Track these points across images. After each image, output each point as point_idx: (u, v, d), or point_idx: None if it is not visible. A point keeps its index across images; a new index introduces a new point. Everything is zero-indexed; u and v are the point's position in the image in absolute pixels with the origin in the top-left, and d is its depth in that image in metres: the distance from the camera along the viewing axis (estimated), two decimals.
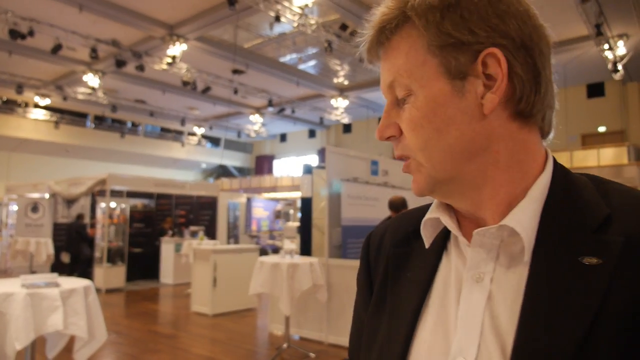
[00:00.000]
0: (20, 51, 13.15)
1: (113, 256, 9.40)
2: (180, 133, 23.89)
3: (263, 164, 26.81)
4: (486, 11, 0.59)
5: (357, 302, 0.80)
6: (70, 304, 2.88)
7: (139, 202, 11.59)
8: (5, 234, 11.98)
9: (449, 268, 0.66)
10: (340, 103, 18.40)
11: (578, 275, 0.53)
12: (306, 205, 6.17)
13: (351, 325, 0.81)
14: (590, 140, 16.70)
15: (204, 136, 24.65)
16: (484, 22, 0.58)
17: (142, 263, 10.69)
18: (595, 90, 16.63)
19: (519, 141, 0.61)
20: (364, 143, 21.85)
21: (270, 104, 17.80)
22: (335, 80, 17.21)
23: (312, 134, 25.25)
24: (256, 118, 20.76)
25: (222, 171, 26.55)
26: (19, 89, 15.48)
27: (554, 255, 0.55)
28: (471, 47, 0.58)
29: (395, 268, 0.72)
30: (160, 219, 11.61)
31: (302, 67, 15.95)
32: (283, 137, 26.63)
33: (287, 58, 15.25)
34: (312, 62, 15.81)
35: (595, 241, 0.54)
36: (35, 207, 9.09)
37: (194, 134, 24.15)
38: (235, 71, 15.15)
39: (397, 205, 4.88)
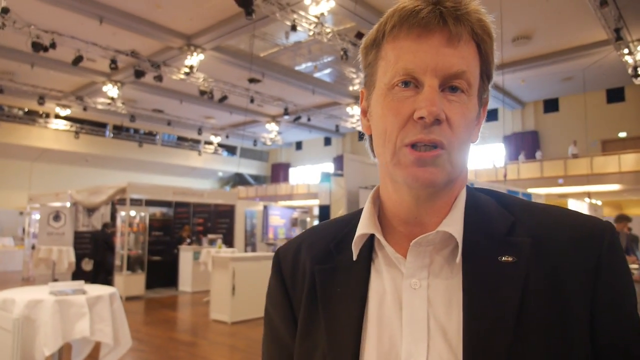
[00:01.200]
0: (42, 63, 13.46)
1: (133, 264, 9.50)
2: (197, 142, 24.14)
3: (279, 172, 26.91)
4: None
5: (273, 321, 0.79)
6: (97, 311, 2.92)
7: (157, 211, 11.71)
8: (28, 243, 12.19)
9: (380, 279, 0.69)
10: (355, 111, 18.43)
11: (500, 271, 0.63)
12: (324, 212, 6.17)
13: (264, 335, 0.81)
14: (610, 146, 16.42)
15: (220, 145, 24.88)
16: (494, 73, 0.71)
17: (161, 271, 10.77)
18: (615, 95, 16.38)
19: (466, 163, 0.71)
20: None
21: (286, 112, 17.90)
22: (350, 88, 17.26)
23: (327, 141, 25.30)
24: (272, 126, 20.89)
25: (238, 179, 26.72)
26: (41, 100, 15.82)
27: (479, 257, 0.64)
28: (488, 87, 0.71)
29: (323, 285, 0.72)
30: (179, 227, 11.71)
31: (317, 75, 16.03)
32: (299, 145, 26.72)
33: (303, 66, 15.36)
34: (328, 70, 15.89)
35: (508, 243, 0.65)
36: (57, 216, 9.23)
37: (210, 143, 24.38)
38: (252, 80, 15.30)
39: None
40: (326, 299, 0.70)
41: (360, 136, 18.19)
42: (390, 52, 0.67)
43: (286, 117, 18.64)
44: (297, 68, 15.41)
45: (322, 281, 0.72)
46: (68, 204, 10.09)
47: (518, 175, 16.20)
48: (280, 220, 13.55)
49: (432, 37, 0.64)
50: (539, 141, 18.42)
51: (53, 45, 11.44)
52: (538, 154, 17.52)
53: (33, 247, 11.23)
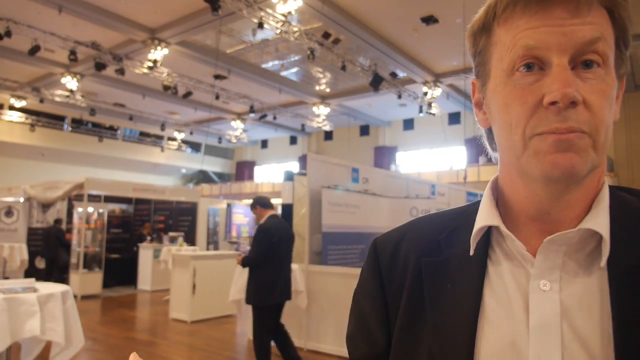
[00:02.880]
0: (4, 54, 12.91)
1: (90, 262, 9.23)
2: (160, 138, 23.66)
3: (244, 170, 26.71)
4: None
5: (363, 311, 0.74)
6: (48, 309, 2.84)
7: (117, 207, 11.41)
8: None
9: (499, 277, 0.63)
10: (321, 110, 18.51)
11: None
12: (287, 211, 6.19)
13: (351, 326, 0.76)
14: None
15: (184, 141, 24.46)
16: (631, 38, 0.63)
17: (120, 269, 10.51)
18: None
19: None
20: (345, 150, 21.99)
21: (251, 110, 17.79)
22: (317, 88, 17.32)
23: (293, 140, 25.29)
24: (237, 124, 20.71)
25: (202, 177, 26.35)
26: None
27: (630, 259, 0.56)
28: (627, 56, 0.62)
29: (431, 279, 0.67)
30: (139, 224, 11.45)
31: (284, 74, 16.00)
32: (264, 144, 26.61)
33: (270, 64, 15.29)
34: (295, 69, 15.88)
35: None
36: (9, 212, 8.89)
37: (174, 139, 23.94)
38: (217, 76, 15.12)
39: (265, 201, 4.54)
40: (434, 294, 0.65)
41: (327, 136, 18.09)
42: (504, 34, 0.60)
43: (252, 115, 18.53)
44: (263, 66, 15.34)
45: (430, 274, 0.67)
46: (21, 199, 9.71)
47: (478, 178, 16.65)
48: (244, 219, 13.48)
49: (554, 9, 0.57)
50: None
51: (8, 34, 10.98)
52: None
53: None
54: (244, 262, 4.30)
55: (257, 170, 26.79)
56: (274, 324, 4.46)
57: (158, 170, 24.64)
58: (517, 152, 0.59)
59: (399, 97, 15.97)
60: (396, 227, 0.78)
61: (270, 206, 4.57)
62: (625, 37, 0.61)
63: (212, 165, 26.60)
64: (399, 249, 0.72)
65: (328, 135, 23.47)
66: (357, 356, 0.73)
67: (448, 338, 0.62)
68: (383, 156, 21.85)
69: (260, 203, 4.51)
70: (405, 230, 0.75)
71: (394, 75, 15.27)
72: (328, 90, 17.51)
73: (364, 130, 22.93)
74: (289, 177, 6.18)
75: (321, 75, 15.98)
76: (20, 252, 8.30)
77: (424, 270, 0.68)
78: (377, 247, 0.75)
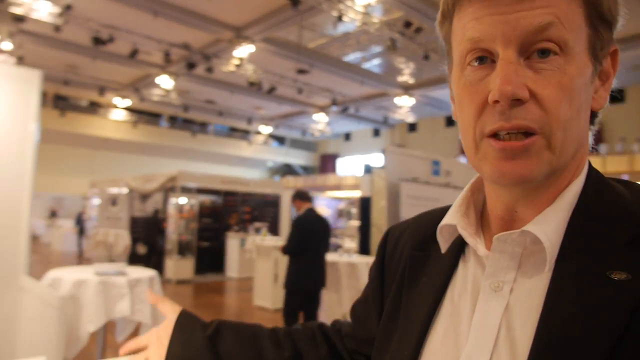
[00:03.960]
0: (102, 56, 14.15)
1: (183, 249, 9.90)
2: (247, 132, 24.63)
3: (327, 163, 27.00)
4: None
5: (367, 290, 0.80)
6: (136, 292, 3.09)
7: (207, 199, 12.10)
8: (90, 226, 12.96)
9: (465, 275, 0.62)
10: (404, 102, 18.13)
11: (604, 290, 0.48)
12: (365, 204, 6.16)
13: (357, 301, 0.83)
14: None
15: (270, 135, 25.24)
16: (620, 12, 0.56)
17: (210, 256, 11.16)
18: None
19: (587, 143, 0.58)
20: (430, 142, 21.40)
21: (334, 103, 17.89)
22: (399, 79, 16.99)
23: (376, 133, 25.08)
24: (320, 117, 20.94)
25: (287, 169, 27.06)
26: (102, 91, 16.65)
27: (579, 268, 0.51)
28: (611, 34, 0.55)
29: (412, 272, 0.69)
30: (227, 214, 12.06)
31: (366, 65, 15.88)
32: (347, 136, 26.66)
33: (351, 57, 15.25)
34: (377, 61, 15.69)
35: (626, 254, 0.49)
36: (114, 201, 9.76)
37: (260, 133, 24.81)
38: (300, 71, 15.39)
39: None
40: (411, 287, 0.67)
41: (410, 128, 17.78)
42: (457, 24, 0.57)
43: (334, 108, 18.63)
44: (345, 59, 15.33)
45: (411, 267, 0.69)
46: (124, 191, 10.63)
47: (604, 168, 15.33)
48: (326, 211, 13.65)
49: None
50: (602, 134, 17.40)
51: (111, 39, 11.99)
52: (602, 148, 16.55)
53: (81, 231, 11.87)
54: (283, 250, 4.72)
55: (341, 163, 26.95)
56: (306, 311, 4.83)
57: (246, 163, 25.70)
58: (470, 153, 0.57)
59: None
60: (408, 218, 0.80)
61: (308, 200, 4.88)
62: (602, 13, 0.54)
63: (297, 158, 27.20)
64: (400, 240, 0.75)
65: (412, 127, 22.97)
66: (348, 326, 0.81)
67: (408, 328, 0.63)
68: None
69: (300, 196, 4.85)
70: (411, 221, 0.77)
71: None
72: (411, 81, 17.10)
73: (450, 120, 22.11)
74: (368, 170, 6.15)
75: (404, 66, 15.62)
76: (123, 239, 9.10)
77: (408, 263, 0.70)
78: (387, 235, 0.79)
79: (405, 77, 16.93)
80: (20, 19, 10.68)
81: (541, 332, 0.49)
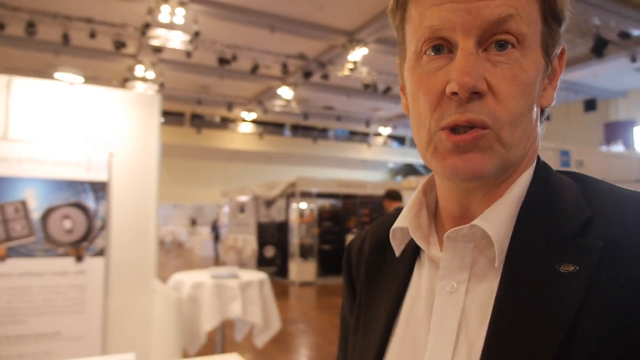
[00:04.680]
0: (228, 75, 15.35)
1: (305, 252, 10.26)
2: (366, 134, 24.77)
3: None
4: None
5: (344, 312, 0.76)
6: (248, 294, 3.25)
7: (327, 203, 12.40)
8: (223, 232, 14.11)
9: (420, 278, 0.60)
10: None
11: (553, 283, 0.47)
12: None
13: (340, 337, 0.77)
14: None
15: (389, 136, 25.08)
16: (567, 10, 0.55)
17: (331, 259, 11.40)
18: None
19: (536, 139, 0.57)
20: (565, 130, 19.39)
21: None
22: None
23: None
24: None
25: (409, 169, 26.61)
26: (230, 107, 18.05)
27: (528, 262, 0.50)
28: (560, 32, 0.55)
29: (369, 278, 0.67)
30: (346, 218, 12.23)
31: None
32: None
33: None
34: None
35: (572, 246, 0.49)
36: (242, 208, 10.48)
37: (379, 135, 24.77)
38: None
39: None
40: (369, 294, 0.66)
41: (587, 107, 16.16)
42: (414, 11, 0.54)
43: None
44: None
45: (369, 274, 0.68)
46: (250, 198, 11.36)
47: None
48: None
49: None
50: None
51: (234, 58, 12.94)
52: None
53: (216, 237, 12.86)
54: None
55: None
56: None
57: (366, 165, 25.86)
58: (422, 146, 0.55)
59: (634, 60, 13.28)
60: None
61: (398, 199, 4.75)
62: (554, 10, 0.53)
63: (418, 157, 26.48)
64: (362, 247, 0.72)
65: (590, 106, 21.00)
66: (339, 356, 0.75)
67: (368, 337, 0.62)
68: (616, 133, 18.53)
69: (389, 195, 4.76)
70: (370, 228, 0.75)
71: (623, 35, 12.77)
72: None
73: (590, 104, 19.77)
74: None
75: None
76: (251, 243, 9.72)
77: (365, 268, 0.68)
78: (349, 249, 0.76)
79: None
80: (158, 50, 12.06)
81: (492, 332, 0.48)
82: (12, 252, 2.95)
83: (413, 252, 0.62)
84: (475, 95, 0.49)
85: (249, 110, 19.79)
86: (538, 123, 0.56)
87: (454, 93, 0.49)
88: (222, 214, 14.06)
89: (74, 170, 3.16)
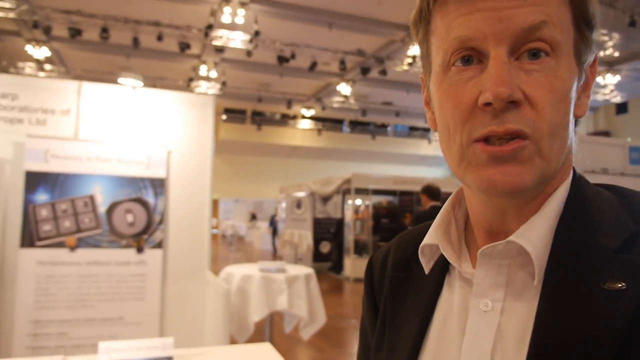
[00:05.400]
0: (287, 73, 15.62)
1: (360, 248, 10.28)
2: (426, 130, 24.29)
3: None
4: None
5: (364, 327, 0.73)
6: (294, 288, 3.35)
7: (383, 199, 12.33)
8: (280, 227, 14.44)
9: (451, 296, 0.58)
10: (609, 79, 15.63)
11: (598, 302, 0.44)
12: None
13: (359, 352, 0.74)
14: None
15: None
16: (598, 16, 0.53)
17: None
18: None
19: (571, 149, 0.54)
20: None
21: None
22: (601, 54, 14.72)
23: None
24: None
25: None
26: (289, 104, 18.36)
27: (569, 280, 0.47)
28: (592, 39, 0.53)
29: (393, 295, 0.64)
30: (402, 214, 12.11)
31: None
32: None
33: None
34: None
35: (617, 262, 0.46)
36: (298, 204, 10.67)
37: None
38: None
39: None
40: (394, 311, 0.63)
41: (619, 109, 15.38)
42: (439, 22, 0.52)
43: None
44: None
45: (392, 291, 0.65)
46: (307, 194, 11.53)
47: None
48: None
49: None
50: None
51: (293, 56, 13.16)
52: None
53: (274, 232, 13.13)
54: None
55: None
56: None
57: (426, 162, 25.36)
58: (454, 161, 0.52)
59: None
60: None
61: (436, 197, 4.64)
62: (587, 16, 0.51)
63: None
64: (385, 262, 0.70)
65: (621, 108, 19.66)
66: None
67: (394, 357, 0.59)
68: None
69: (427, 191, 4.66)
70: (394, 242, 0.72)
71: None
72: (616, 54, 14.65)
73: None
74: None
75: (606, 38, 13.48)
76: (306, 239, 9.88)
77: (389, 285, 0.66)
78: (371, 261, 0.74)
79: (609, 51, 14.58)
80: (220, 50, 12.51)
81: (533, 354, 0.45)
82: (82, 243, 3.23)
83: (442, 268, 0.60)
84: (512, 104, 0.47)
85: (308, 107, 20.03)
86: (573, 134, 0.53)
87: (488, 104, 0.47)
88: (280, 209, 14.40)
89: (135, 168, 3.39)
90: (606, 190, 0.54)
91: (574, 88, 0.50)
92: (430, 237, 0.58)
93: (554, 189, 0.53)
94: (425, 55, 0.58)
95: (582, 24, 0.51)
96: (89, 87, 3.43)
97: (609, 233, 0.48)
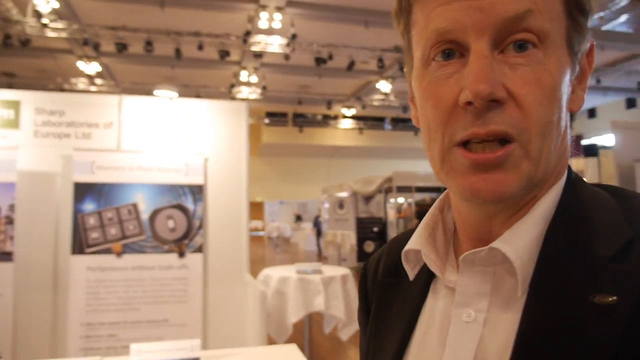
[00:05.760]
0: (326, 73, 15.67)
1: None
2: None
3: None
4: None
5: (360, 331, 0.71)
6: (331, 289, 3.38)
7: (427, 196, 12.14)
8: (324, 228, 14.51)
9: (435, 303, 0.55)
10: None
11: (585, 317, 0.40)
12: None
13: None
14: None
15: None
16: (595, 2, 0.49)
17: None
18: None
19: (567, 149, 0.51)
20: None
21: None
22: None
23: (630, 103, 20.93)
24: None
25: None
26: (329, 104, 18.41)
27: (555, 291, 0.43)
28: (587, 26, 0.49)
29: (381, 302, 0.62)
30: None
31: (606, 27, 13.47)
32: (591, 113, 23.02)
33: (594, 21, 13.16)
34: (623, 18, 13.13)
35: (609, 273, 0.41)
36: (341, 204, 10.70)
37: None
38: None
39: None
40: (381, 318, 0.62)
41: None
42: (419, 14, 0.49)
43: None
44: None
45: (380, 298, 0.63)
46: (349, 194, 11.53)
47: None
48: None
49: None
50: None
51: (331, 57, 13.19)
52: None
53: (319, 233, 13.20)
54: None
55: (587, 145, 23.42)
56: None
57: None
58: (436, 164, 0.49)
59: None
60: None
61: None
62: (580, 2, 0.47)
63: None
64: (378, 266, 0.67)
65: None
66: None
67: None
68: None
69: None
70: (386, 246, 0.70)
71: None
72: None
73: None
74: (592, 151, 5.24)
75: None
76: (349, 239, 9.88)
77: (378, 291, 0.64)
78: (366, 266, 0.72)
79: None
80: (259, 55, 12.73)
81: None
82: (127, 249, 3.39)
83: (428, 274, 0.56)
84: (494, 103, 0.43)
85: (348, 107, 20.00)
86: (568, 130, 0.49)
87: (469, 103, 0.43)
88: (323, 210, 14.46)
89: (175, 176, 3.53)
90: (605, 192, 0.49)
91: (566, 81, 0.46)
92: (413, 242, 0.56)
93: (546, 192, 0.49)
94: (407, 49, 0.56)
95: (575, 10, 0.47)
96: (128, 100, 3.61)
97: (602, 240, 0.43)
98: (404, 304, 0.58)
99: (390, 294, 0.61)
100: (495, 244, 0.46)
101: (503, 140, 0.44)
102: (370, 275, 0.69)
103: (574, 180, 0.51)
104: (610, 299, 0.40)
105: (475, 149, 0.44)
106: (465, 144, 0.45)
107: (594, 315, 0.40)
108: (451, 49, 0.46)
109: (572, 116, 0.51)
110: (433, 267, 0.54)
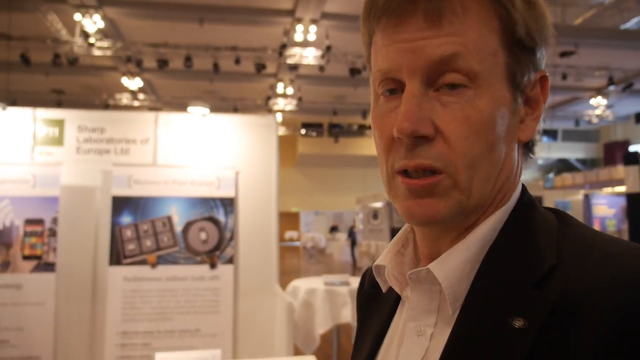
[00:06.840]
0: (360, 84, 15.70)
1: None
2: None
3: (614, 152, 22.79)
4: (547, 23, 0.52)
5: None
6: None
7: None
8: (359, 238, 14.43)
9: (399, 317, 0.59)
10: None
11: (501, 338, 0.43)
12: (635, 203, 5.04)
13: None
14: None
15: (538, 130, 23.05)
16: (547, 35, 0.52)
17: None
18: None
19: (514, 176, 0.54)
20: None
21: (610, 81, 15.16)
22: None
23: None
24: (597, 101, 17.98)
25: (562, 166, 24.09)
26: (364, 114, 18.41)
27: (481, 313, 0.46)
28: (535, 60, 0.52)
29: (362, 312, 0.66)
30: None
31: None
32: (638, 118, 21.99)
33: (631, 22, 12.66)
34: None
35: (529, 298, 0.44)
36: (375, 215, 10.64)
37: None
38: (564, 54, 13.62)
39: None
40: (361, 326, 0.66)
41: None
42: (373, 48, 0.54)
43: (612, 87, 15.76)
44: (622, 27, 12.84)
45: (362, 308, 0.68)
46: (383, 204, 11.45)
47: None
48: (608, 210, 11.54)
49: (409, 20, 0.48)
50: None
51: (365, 67, 13.22)
52: None
53: (353, 243, 13.13)
54: None
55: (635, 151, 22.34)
56: None
57: None
58: (385, 188, 0.54)
59: None
60: None
61: None
62: (518, 39, 0.49)
63: (573, 151, 23.93)
64: (368, 276, 0.71)
65: None
66: None
67: None
68: None
69: None
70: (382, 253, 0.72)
71: None
72: None
73: None
74: (631, 158, 5.02)
75: None
76: (384, 249, 9.82)
77: (362, 302, 0.68)
78: (364, 275, 0.74)
79: None
80: (294, 67, 12.92)
81: None
82: (161, 260, 3.52)
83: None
84: (422, 139, 0.47)
85: None
86: (517, 158, 0.52)
87: (399, 137, 0.48)
88: (358, 220, 14.43)
89: (207, 189, 3.64)
90: (554, 218, 0.51)
91: (504, 115, 0.48)
92: (381, 258, 0.59)
93: (488, 216, 0.51)
94: (368, 62, 0.58)
95: (515, 48, 0.49)
96: (164, 117, 3.76)
97: (531, 265, 0.46)
98: (379, 314, 0.62)
99: (372, 303, 0.65)
100: (430, 265, 0.50)
101: (434, 173, 0.48)
102: (365, 284, 0.72)
103: (525, 205, 0.53)
104: (523, 322, 0.42)
105: (412, 175, 0.49)
106: (405, 172, 0.49)
107: (508, 337, 0.43)
108: (394, 87, 0.50)
109: (529, 143, 0.55)
110: (393, 284, 0.57)
